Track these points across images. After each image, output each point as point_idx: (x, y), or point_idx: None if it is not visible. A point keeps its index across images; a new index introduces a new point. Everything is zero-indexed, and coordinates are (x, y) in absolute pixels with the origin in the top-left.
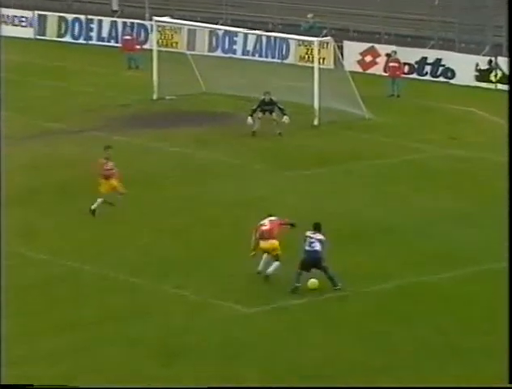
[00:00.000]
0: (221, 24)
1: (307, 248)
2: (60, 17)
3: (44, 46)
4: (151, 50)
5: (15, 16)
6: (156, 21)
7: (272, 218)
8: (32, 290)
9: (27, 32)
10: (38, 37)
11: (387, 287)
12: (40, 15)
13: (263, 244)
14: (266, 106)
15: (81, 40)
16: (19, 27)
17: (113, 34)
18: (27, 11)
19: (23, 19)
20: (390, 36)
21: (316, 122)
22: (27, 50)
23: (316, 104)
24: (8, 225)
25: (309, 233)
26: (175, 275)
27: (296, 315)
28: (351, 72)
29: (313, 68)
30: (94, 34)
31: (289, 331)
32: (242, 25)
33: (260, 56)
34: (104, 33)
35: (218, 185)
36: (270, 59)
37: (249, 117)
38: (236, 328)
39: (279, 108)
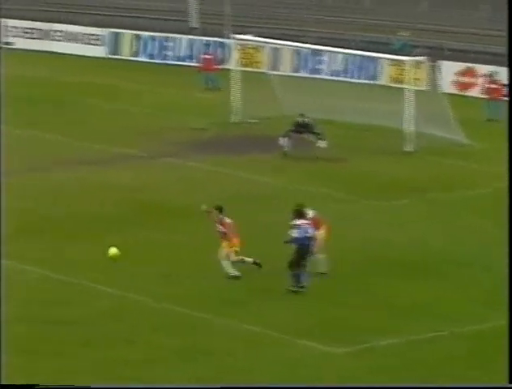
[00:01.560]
0: (306, 42)
1: (301, 235)
2: (134, 35)
3: (116, 66)
4: (230, 70)
5: (87, 34)
6: (237, 39)
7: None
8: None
9: (99, 51)
10: (111, 56)
11: (480, 328)
12: (113, 33)
13: None
14: (301, 128)
15: (156, 60)
16: (90, 46)
17: (191, 53)
18: (99, 29)
19: (95, 37)
20: (489, 54)
21: (408, 148)
22: (98, 70)
23: (408, 129)
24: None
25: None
26: (241, 309)
27: (383, 357)
28: (446, 94)
29: (405, 89)
30: (170, 53)
31: (374, 375)
32: (328, 43)
33: (348, 76)
34: (182, 52)
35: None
36: (358, 80)
37: (281, 138)
38: (312, 370)
39: (315, 132)
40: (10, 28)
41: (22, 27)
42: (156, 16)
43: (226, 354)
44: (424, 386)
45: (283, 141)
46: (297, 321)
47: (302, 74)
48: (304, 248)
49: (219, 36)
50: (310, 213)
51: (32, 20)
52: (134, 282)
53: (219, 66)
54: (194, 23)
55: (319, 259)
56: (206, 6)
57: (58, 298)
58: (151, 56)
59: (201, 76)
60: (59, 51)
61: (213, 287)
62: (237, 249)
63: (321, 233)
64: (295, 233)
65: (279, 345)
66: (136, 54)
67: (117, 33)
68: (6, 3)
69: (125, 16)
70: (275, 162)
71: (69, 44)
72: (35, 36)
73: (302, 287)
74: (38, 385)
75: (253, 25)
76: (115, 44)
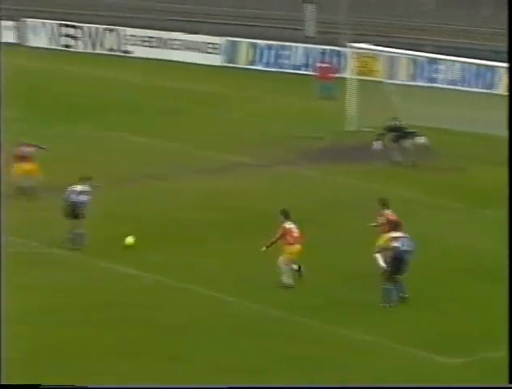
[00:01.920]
0: (422, 51)
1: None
2: (251, 43)
3: (232, 74)
4: (346, 79)
5: (204, 43)
6: (353, 48)
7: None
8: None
9: (216, 60)
10: (227, 65)
11: None
12: (230, 42)
13: None
14: (395, 132)
15: (273, 68)
16: (207, 54)
17: (307, 61)
18: (216, 37)
19: (212, 46)
20: None
21: None
22: (214, 79)
23: None
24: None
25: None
26: (351, 319)
27: (499, 368)
28: None
29: None
30: (286, 61)
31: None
32: (444, 52)
33: (464, 85)
34: (298, 60)
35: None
36: (475, 89)
37: (374, 142)
38: (429, 381)
39: (409, 132)
40: (128, 37)
41: (140, 36)
42: (272, 25)
43: (338, 364)
44: (424, 386)
45: (376, 144)
46: (408, 331)
47: (418, 82)
48: (400, 261)
49: (335, 45)
50: (387, 213)
51: (151, 29)
52: (248, 290)
53: (335, 75)
54: (311, 31)
55: None
56: (323, 15)
57: (172, 304)
58: (267, 64)
59: (316, 85)
60: (177, 59)
61: (323, 296)
62: (293, 256)
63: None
64: (394, 245)
65: (394, 356)
66: (252, 63)
67: (233, 42)
68: (125, 12)
69: (242, 25)
70: (386, 170)
71: (186, 52)
72: (153, 44)
73: (390, 303)
74: (39, 385)
75: (369, 34)
76: (232, 52)
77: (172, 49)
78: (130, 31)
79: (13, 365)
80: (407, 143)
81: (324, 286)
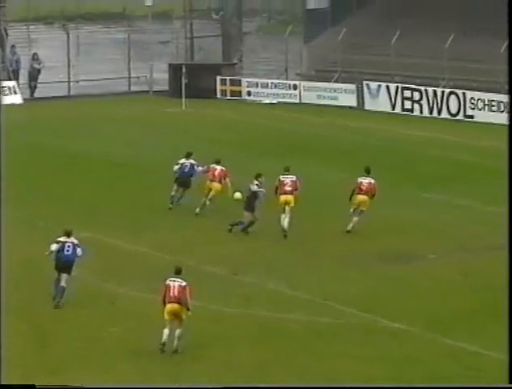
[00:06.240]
0: None
1: None
2: None
3: None
4: None
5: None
6: None
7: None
8: None
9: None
10: None
11: None
12: None
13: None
14: None
15: None
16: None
17: None
18: (498, 95)
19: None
20: None
21: None
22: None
23: None
24: None
25: None
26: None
27: None
28: None
29: None
30: None
31: None
32: None
33: None
34: None
35: None
36: None
37: None
38: None
39: None
40: (470, 101)
41: (485, 100)
42: None
43: None
44: (424, 386)
45: None
46: None
47: None
48: None
49: None
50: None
51: (495, 92)
52: None
53: None
54: None
55: None
56: None
57: None
58: None
59: None
60: None
61: None
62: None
63: None
64: None
65: None
66: None
67: None
68: (468, 75)
69: None
70: None
71: None
72: (498, 109)
73: None
74: (37, 385)
75: None
76: None
77: None
78: (473, 94)
79: None
80: None
81: None
